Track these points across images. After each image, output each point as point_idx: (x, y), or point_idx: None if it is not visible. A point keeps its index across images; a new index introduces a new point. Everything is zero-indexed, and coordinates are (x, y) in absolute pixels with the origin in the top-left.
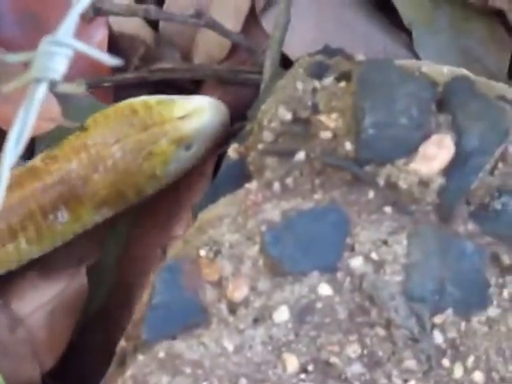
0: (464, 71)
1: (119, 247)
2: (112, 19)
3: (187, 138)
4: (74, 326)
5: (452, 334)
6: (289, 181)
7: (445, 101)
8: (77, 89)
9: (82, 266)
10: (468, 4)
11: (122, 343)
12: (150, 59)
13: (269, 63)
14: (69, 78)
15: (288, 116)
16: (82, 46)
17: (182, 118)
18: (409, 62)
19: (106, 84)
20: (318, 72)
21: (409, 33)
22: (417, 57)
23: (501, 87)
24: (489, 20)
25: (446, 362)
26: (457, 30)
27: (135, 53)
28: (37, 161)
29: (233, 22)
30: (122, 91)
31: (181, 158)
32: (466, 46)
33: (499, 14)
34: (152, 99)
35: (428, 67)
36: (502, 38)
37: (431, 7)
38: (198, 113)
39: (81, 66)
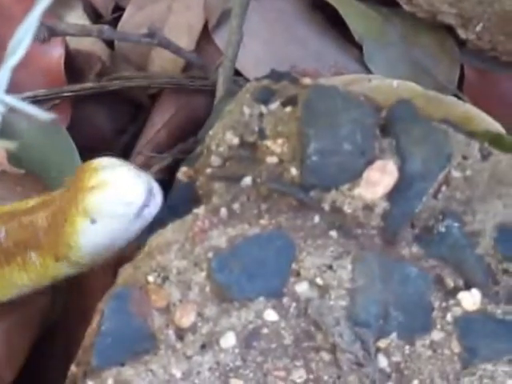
0: (414, 84)
1: None
2: (69, 37)
3: (88, 213)
4: (33, 340)
5: (396, 357)
6: (236, 206)
7: (388, 125)
8: (9, 145)
9: None
10: (417, 18)
11: (73, 368)
12: (107, 76)
13: (221, 80)
14: (26, 89)
15: (235, 141)
16: (16, 102)
17: (91, 188)
18: (359, 77)
19: (65, 94)
20: (265, 97)
21: (360, 47)
22: (368, 70)
23: (450, 100)
24: (439, 33)
25: None
26: (407, 43)
27: (92, 70)
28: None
29: (186, 40)
30: (79, 106)
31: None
32: (416, 58)
33: (448, 28)
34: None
35: (378, 81)
36: (451, 51)
37: (381, 21)
38: (103, 186)
39: (38, 79)
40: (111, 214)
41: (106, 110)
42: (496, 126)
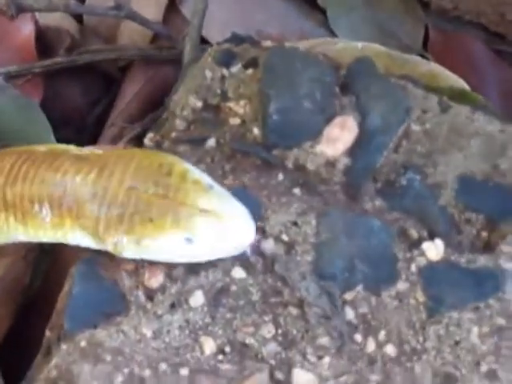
0: (378, 45)
1: None
2: (38, 13)
3: (189, 230)
4: (16, 310)
5: (363, 309)
6: (201, 167)
7: (348, 83)
8: None
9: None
10: None
11: (47, 333)
12: (77, 50)
13: (188, 49)
14: None
15: (198, 104)
16: None
17: (202, 211)
18: (325, 40)
19: (36, 70)
20: (226, 60)
21: (324, 12)
22: (333, 35)
23: (414, 59)
24: None
25: (358, 337)
26: (370, 6)
27: (62, 44)
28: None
29: (154, 11)
30: (51, 81)
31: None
32: (380, 21)
33: None
34: (192, 172)
35: (343, 44)
36: (415, 12)
37: None
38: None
39: (10, 56)
40: (212, 247)
41: (78, 84)
42: (461, 83)
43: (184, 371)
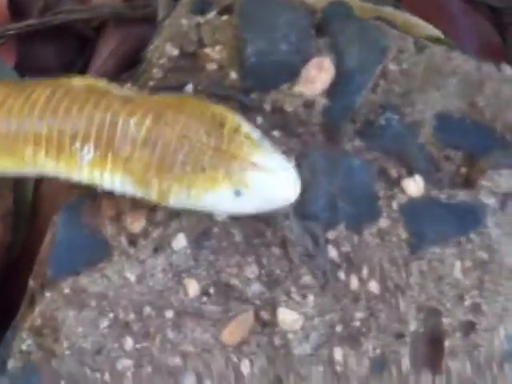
0: None
1: (35, 184)
2: None
3: (241, 183)
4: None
5: (345, 247)
6: None
7: (323, 26)
8: None
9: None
10: None
11: (30, 283)
12: (50, 11)
13: (162, 5)
14: None
15: (175, 52)
16: None
17: (254, 165)
18: None
19: (10, 32)
20: (201, 8)
21: None
22: None
23: (388, 10)
24: None
25: (341, 275)
26: None
27: (35, 6)
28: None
29: None
30: (26, 43)
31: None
32: None
33: None
34: (244, 125)
35: None
36: None
37: None
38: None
39: None
40: (260, 202)
41: (53, 46)
42: (436, 32)
43: (169, 314)
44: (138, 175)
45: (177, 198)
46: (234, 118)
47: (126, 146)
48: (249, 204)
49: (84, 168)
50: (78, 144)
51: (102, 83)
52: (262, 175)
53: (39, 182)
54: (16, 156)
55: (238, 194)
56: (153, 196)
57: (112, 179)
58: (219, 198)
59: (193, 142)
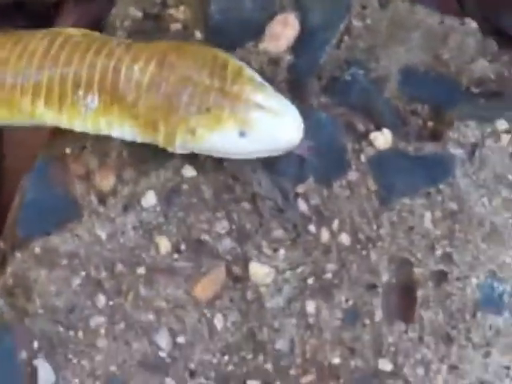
0: None
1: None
2: None
3: (245, 123)
4: None
5: (315, 201)
6: None
7: None
8: None
9: None
10: None
11: (1, 245)
12: None
13: None
14: None
15: (139, 14)
16: None
17: (258, 106)
18: None
19: None
20: None
21: None
22: None
23: None
24: None
25: (312, 228)
26: None
27: None
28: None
29: None
30: None
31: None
32: None
33: None
34: (246, 69)
35: None
36: None
37: None
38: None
39: None
40: (264, 143)
41: (7, 26)
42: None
43: (140, 270)
44: (145, 119)
45: (183, 139)
46: (235, 62)
47: (132, 92)
48: (253, 145)
49: (88, 116)
50: (81, 92)
51: (98, 34)
52: (266, 116)
53: (5, 145)
54: (12, 107)
55: (242, 134)
56: (160, 140)
57: (120, 126)
58: (224, 139)
59: (197, 83)
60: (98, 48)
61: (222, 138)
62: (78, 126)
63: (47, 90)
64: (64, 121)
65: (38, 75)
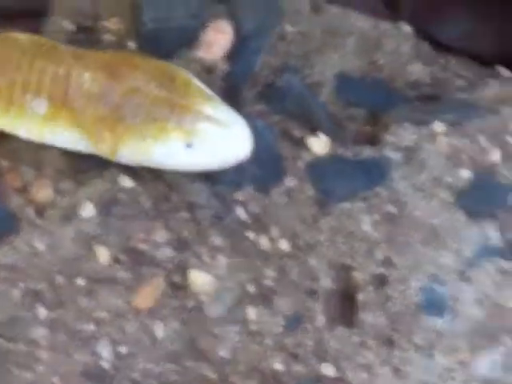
0: None
1: None
2: None
3: (192, 134)
4: None
5: (254, 208)
6: None
7: None
8: None
9: None
10: None
11: None
12: None
13: None
14: None
15: (71, 27)
16: None
17: (206, 117)
18: None
19: None
20: None
21: None
22: None
23: None
24: None
25: (251, 235)
26: None
27: None
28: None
29: None
30: None
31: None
32: None
33: None
34: (195, 81)
35: None
36: None
37: None
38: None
39: None
40: (212, 155)
41: None
42: None
43: (80, 281)
44: (91, 129)
45: (128, 149)
46: (185, 74)
47: (80, 100)
48: (200, 158)
49: (34, 122)
50: (29, 96)
51: (45, 39)
52: (214, 128)
53: None
54: None
55: (189, 146)
56: (105, 149)
57: (64, 133)
58: (170, 150)
59: (144, 93)
60: (47, 54)
61: (168, 150)
62: (23, 131)
63: None
64: (9, 124)
65: None
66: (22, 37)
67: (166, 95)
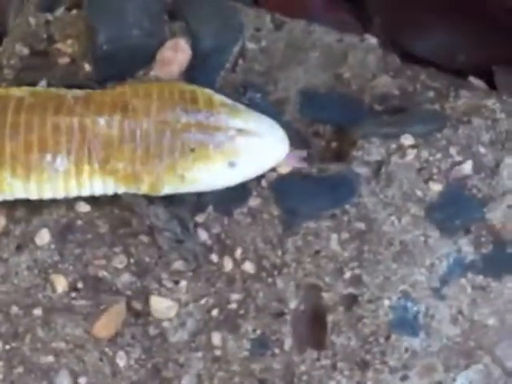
0: None
1: None
2: None
3: (233, 153)
4: None
5: (216, 229)
6: None
7: (176, 10)
8: None
9: None
10: None
11: None
12: None
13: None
14: None
15: (25, 51)
16: None
17: (240, 131)
18: None
19: None
20: (49, 5)
21: None
22: None
23: None
24: None
25: (214, 258)
26: None
27: None
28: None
29: None
30: None
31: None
32: None
33: None
34: (214, 94)
35: None
36: None
37: None
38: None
39: None
40: (254, 166)
41: None
42: None
43: (37, 311)
44: (123, 173)
45: (172, 186)
46: (202, 90)
47: (102, 147)
48: (243, 172)
49: (58, 180)
50: (49, 156)
51: (41, 88)
52: (251, 140)
53: None
54: None
55: (231, 164)
56: (144, 190)
57: (91, 185)
58: (215, 174)
59: (172, 124)
60: (55, 107)
61: (213, 174)
62: (48, 192)
63: (11, 160)
64: (33, 189)
65: (2, 145)
66: (21, 93)
67: (194, 119)
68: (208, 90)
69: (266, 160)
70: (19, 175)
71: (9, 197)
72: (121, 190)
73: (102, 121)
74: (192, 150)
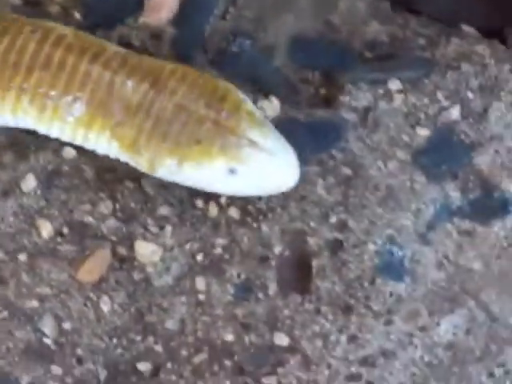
0: None
1: None
2: None
3: (235, 160)
4: None
5: None
6: None
7: None
8: None
9: None
10: None
11: None
12: None
13: None
14: None
15: (17, 1)
16: None
17: (252, 142)
18: None
19: None
20: None
21: None
22: None
23: None
24: None
25: (199, 203)
26: None
27: None
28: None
29: None
30: None
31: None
32: None
33: None
34: (247, 103)
35: None
36: None
37: None
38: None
39: None
40: (255, 183)
41: None
42: None
43: (22, 257)
44: (128, 141)
45: (167, 169)
46: (237, 94)
47: (120, 109)
48: (242, 184)
49: (68, 124)
50: (70, 98)
51: (92, 37)
52: (259, 154)
53: None
54: None
55: (232, 171)
56: (141, 164)
57: (97, 141)
58: (212, 174)
59: (190, 112)
60: (93, 55)
61: (211, 173)
62: (55, 132)
63: (34, 88)
64: (44, 123)
65: (28, 72)
66: (66, 31)
67: (213, 116)
68: (244, 98)
69: (268, 180)
70: (36, 105)
71: (15, 123)
72: (122, 158)
73: (130, 83)
74: (198, 142)
